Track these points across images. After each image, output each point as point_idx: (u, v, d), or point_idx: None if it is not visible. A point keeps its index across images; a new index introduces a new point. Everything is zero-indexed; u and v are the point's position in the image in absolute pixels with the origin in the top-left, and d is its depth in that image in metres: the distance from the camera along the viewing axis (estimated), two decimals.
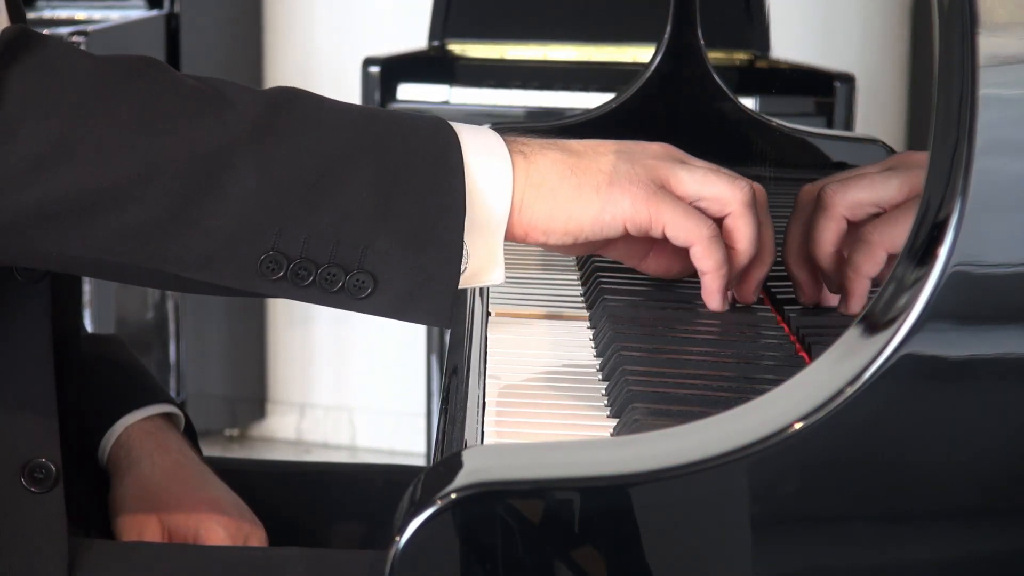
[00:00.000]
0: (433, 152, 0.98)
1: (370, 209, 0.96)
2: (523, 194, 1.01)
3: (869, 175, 1.06)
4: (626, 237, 1.05)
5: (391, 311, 0.97)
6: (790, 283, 1.12)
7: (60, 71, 0.95)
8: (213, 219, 0.95)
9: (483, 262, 1.00)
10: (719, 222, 1.05)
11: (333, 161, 0.96)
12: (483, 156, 1.00)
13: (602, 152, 1.04)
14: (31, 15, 3.29)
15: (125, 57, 0.98)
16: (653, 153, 1.05)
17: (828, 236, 1.06)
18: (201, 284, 0.97)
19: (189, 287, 1.00)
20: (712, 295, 1.06)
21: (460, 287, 0.98)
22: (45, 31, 3.14)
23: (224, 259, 0.96)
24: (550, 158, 1.02)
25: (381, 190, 0.96)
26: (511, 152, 1.01)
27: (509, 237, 1.02)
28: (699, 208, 1.04)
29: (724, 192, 1.04)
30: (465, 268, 0.98)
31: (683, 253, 1.06)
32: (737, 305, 1.10)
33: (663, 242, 1.06)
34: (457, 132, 1.00)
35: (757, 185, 1.08)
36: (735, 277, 1.08)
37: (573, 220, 1.02)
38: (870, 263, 1.03)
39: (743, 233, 1.05)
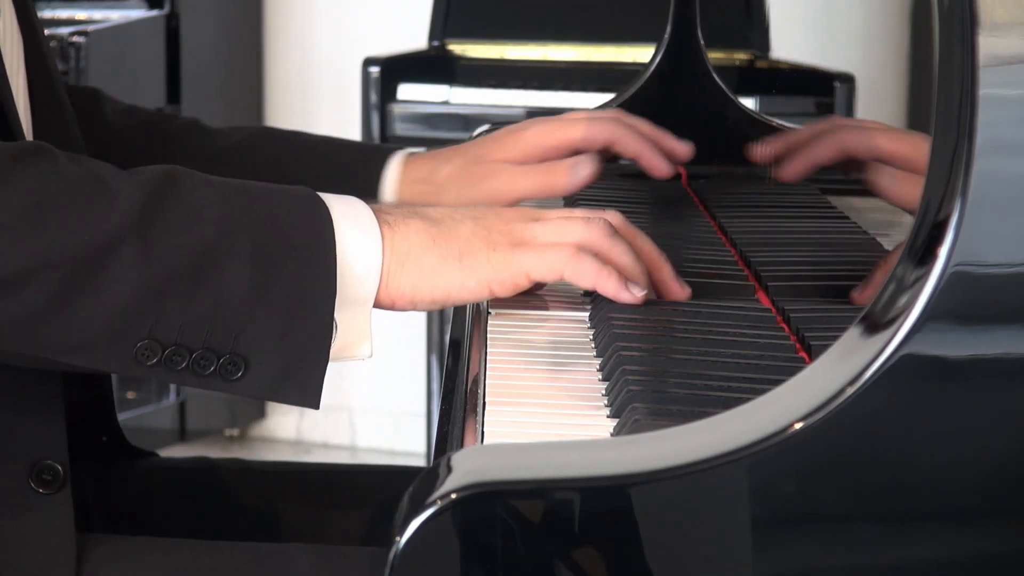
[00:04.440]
0: (306, 231, 1.00)
1: (244, 295, 0.98)
2: (390, 266, 1.03)
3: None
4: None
5: (262, 392, 1.00)
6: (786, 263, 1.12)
7: None
8: (92, 310, 0.97)
9: (352, 337, 1.03)
10: None
11: (209, 250, 0.98)
12: (354, 231, 1.02)
13: (459, 220, 1.06)
14: None
15: (11, 146, 0.99)
16: (508, 217, 1.07)
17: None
18: (77, 365, 0.99)
19: (64, 367, 1.02)
20: (617, 298, 1.07)
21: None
22: (46, 32, 3.14)
23: (100, 347, 0.98)
24: (413, 228, 1.04)
25: (256, 275, 0.98)
26: (379, 223, 1.03)
27: (376, 305, 1.04)
28: None
29: (582, 235, 1.06)
30: (333, 344, 1.00)
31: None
32: (735, 304, 1.10)
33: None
34: (329, 206, 1.02)
35: (611, 212, 1.10)
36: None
37: (439, 289, 1.04)
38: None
39: (619, 262, 1.07)
